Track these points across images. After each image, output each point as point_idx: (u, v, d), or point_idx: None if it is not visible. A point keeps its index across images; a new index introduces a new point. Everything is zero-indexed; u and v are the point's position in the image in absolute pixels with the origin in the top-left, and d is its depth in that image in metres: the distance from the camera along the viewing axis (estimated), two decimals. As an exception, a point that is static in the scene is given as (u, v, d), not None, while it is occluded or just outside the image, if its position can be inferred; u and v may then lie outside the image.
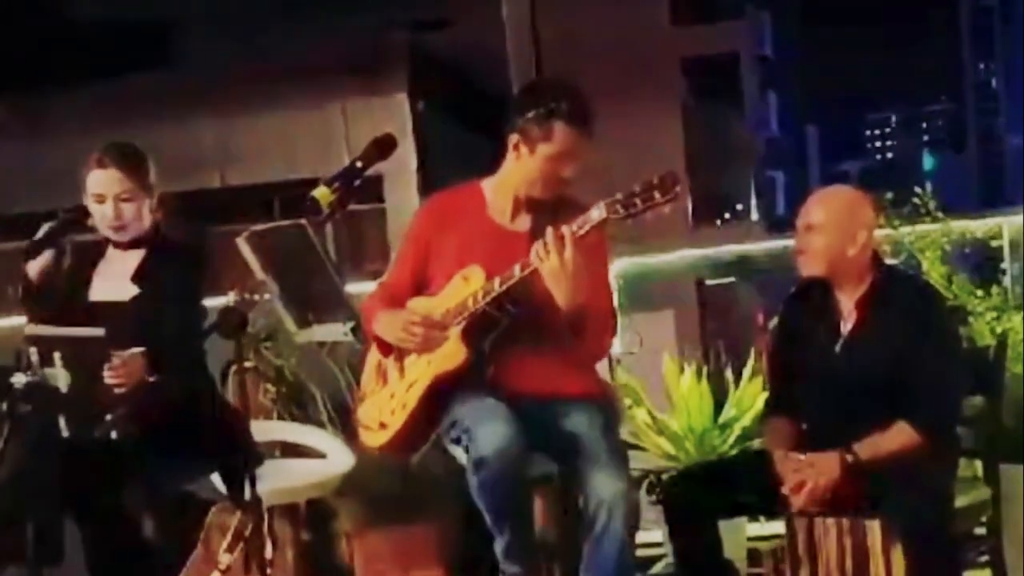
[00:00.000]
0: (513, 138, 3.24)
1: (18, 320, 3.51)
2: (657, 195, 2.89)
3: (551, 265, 3.01)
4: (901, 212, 4.49)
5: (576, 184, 3.30)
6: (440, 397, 3.23)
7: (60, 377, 3.23)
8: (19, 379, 3.15)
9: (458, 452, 3.18)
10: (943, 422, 3.23)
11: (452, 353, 3.20)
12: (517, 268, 3.11)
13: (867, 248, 3.29)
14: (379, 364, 3.44)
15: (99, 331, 3.24)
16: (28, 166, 16.08)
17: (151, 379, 3.26)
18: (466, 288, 3.21)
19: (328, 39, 16.33)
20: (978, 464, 3.64)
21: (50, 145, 15.42)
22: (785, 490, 3.20)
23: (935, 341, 3.22)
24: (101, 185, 3.47)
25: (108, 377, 3.22)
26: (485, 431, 3.05)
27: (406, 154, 14.40)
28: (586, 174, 3.27)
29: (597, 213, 2.98)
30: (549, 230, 3.03)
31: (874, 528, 3.27)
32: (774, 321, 3.82)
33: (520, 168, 3.25)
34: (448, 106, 16.28)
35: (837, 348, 3.30)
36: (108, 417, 3.22)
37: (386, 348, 3.38)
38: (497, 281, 3.14)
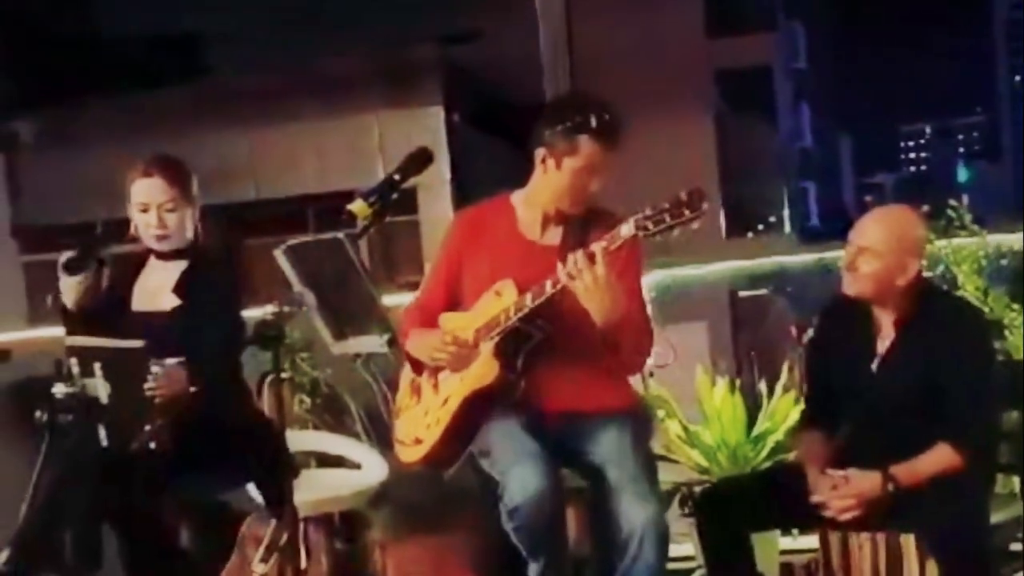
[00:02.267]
0: (540, 152, 3.25)
1: (59, 330, 3.54)
2: (686, 211, 2.89)
3: (584, 283, 3.01)
4: (936, 225, 4.46)
5: (608, 196, 3.31)
6: (474, 413, 3.25)
7: (100, 387, 3.26)
8: (60, 389, 3.18)
9: (492, 471, 3.21)
10: (984, 444, 3.20)
11: (485, 370, 3.21)
12: (548, 284, 3.10)
13: (915, 275, 3.26)
14: (413, 380, 3.46)
15: (139, 342, 3.27)
16: (64, 177, 16.24)
17: (192, 390, 3.29)
18: (498, 303, 3.22)
19: (362, 52, 16.42)
20: (1015, 480, 3.62)
21: (85, 157, 15.58)
22: (818, 499, 3.20)
23: (975, 362, 3.18)
24: (146, 194, 3.52)
25: (150, 389, 3.25)
26: (517, 478, 3.06)
27: (440, 166, 14.46)
28: (618, 186, 3.27)
29: (626, 229, 2.98)
30: (592, 247, 3.03)
31: (909, 543, 3.25)
32: (808, 334, 3.80)
33: (548, 182, 3.27)
34: (482, 118, 16.32)
35: (874, 366, 3.27)
36: (147, 428, 3.25)
37: (419, 366, 3.41)
38: (528, 297, 3.14)
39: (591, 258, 2.99)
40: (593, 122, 3.19)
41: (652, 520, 3.05)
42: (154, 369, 3.24)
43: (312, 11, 19.31)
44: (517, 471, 3.07)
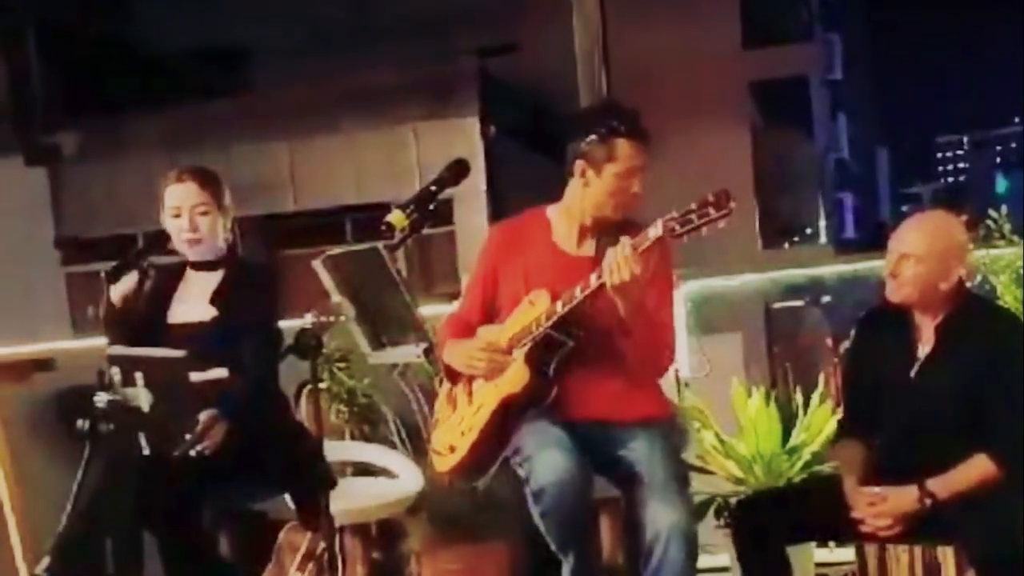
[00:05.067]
0: (579, 164, 3.28)
1: (101, 340, 3.59)
2: (712, 211, 2.91)
3: (620, 277, 3.03)
4: (975, 235, 4.44)
5: (644, 207, 3.33)
6: (507, 421, 3.27)
7: (142, 396, 3.30)
8: (101, 398, 3.21)
9: (521, 469, 3.22)
10: (1021, 453, 3.17)
11: (517, 377, 3.24)
12: (578, 290, 3.14)
13: (958, 280, 3.25)
14: (450, 391, 3.49)
15: (181, 352, 3.31)
16: (106, 190, 16.41)
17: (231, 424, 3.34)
18: (532, 312, 3.26)
19: (399, 64, 16.49)
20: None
21: (128, 169, 15.73)
22: (855, 516, 3.19)
23: (1015, 371, 3.15)
24: (178, 197, 3.58)
25: (195, 446, 3.29)
26: (543, 461, 3.09)
27: (476, 177, 14.49)
28: (654, 197, 3.30)
29: (654, 231, 3.01)
30: (622, 241, 3.04)
31: (947, 555, 3.24)
32: (846, 343, 3.79)
33: (589, 192, 3.30)
34: (518, 129, 16.35)
35: (913, 372, 3.26)
36: (187, 436, 3.29)
37: (454, 376, 3.44)
38: (559, 304, 3.18)
39: (633, 253, 3.01)
40: (627, 124, 3.25)
41: (678, 524, 3.07)
42: (198, 427, 3.28)
43: (351, 25, 19.42)
44: (543, 455, 3.10)
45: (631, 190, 3.28)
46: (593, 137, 3.25)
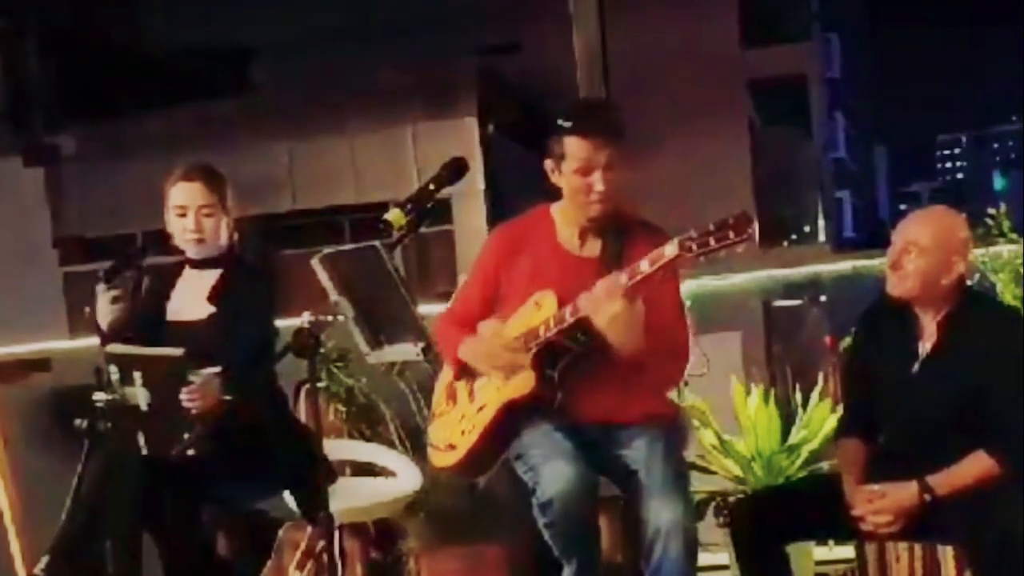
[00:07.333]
0: (547, 163, 3.28)
1: (98, 340, 3.58)
2: (731, 234, 2.87)
3: (608, 312, 3.01)
4: (974, 232, 4.43)
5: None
6: (510, 422, 3.26)
7: (140, 395, 3.30)
8: (100, 397, 3.21)
9: (526, 477, 3.22)
10: (1022, 450, 3.15)
11: (523, 380, 3.22)
12: None
13: (959, 276, 3.24)
14: (449, 385, 3.47)
15: (179, 351, 3.31)
16: (105, 190, 16.43)
17: (226, 399, 3.32)
18: (538, 314, 3.24)
19: (398, 64, 16.53)
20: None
21: (125, 169, 15.75)
22: (855, 514, 3.18)
23: (1016, 368, 3.13)
24: (185, 197, 3.57)
25: (186, 400, 3.28)
26: (549, 472, 3.08)
27: (474, 177, 14.51)
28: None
29: (670, 250, 2.96)
30: (610, 279, 3.01)
31: (947, 554, 3.23)
32: (846, 341, 3.78)
33: (565, 193, 3.29)
34: (516, 129, 16.37)
35: (914, 368, 3.24)
36: (186, 435, 3.28)
37: (460, 371, 3.43)
38: (567, 311, 3.15)
39: (622, 289, 2.99)
40: (575, 121, 3.21)
41: (678, 520, 3.06)
42: (191, 383, 3.28)
43: (350, 26, 19.43)
44: (550, 466, 3.09)
45: (594, 188, 3.21)
46: (552, 137, 3.24)
